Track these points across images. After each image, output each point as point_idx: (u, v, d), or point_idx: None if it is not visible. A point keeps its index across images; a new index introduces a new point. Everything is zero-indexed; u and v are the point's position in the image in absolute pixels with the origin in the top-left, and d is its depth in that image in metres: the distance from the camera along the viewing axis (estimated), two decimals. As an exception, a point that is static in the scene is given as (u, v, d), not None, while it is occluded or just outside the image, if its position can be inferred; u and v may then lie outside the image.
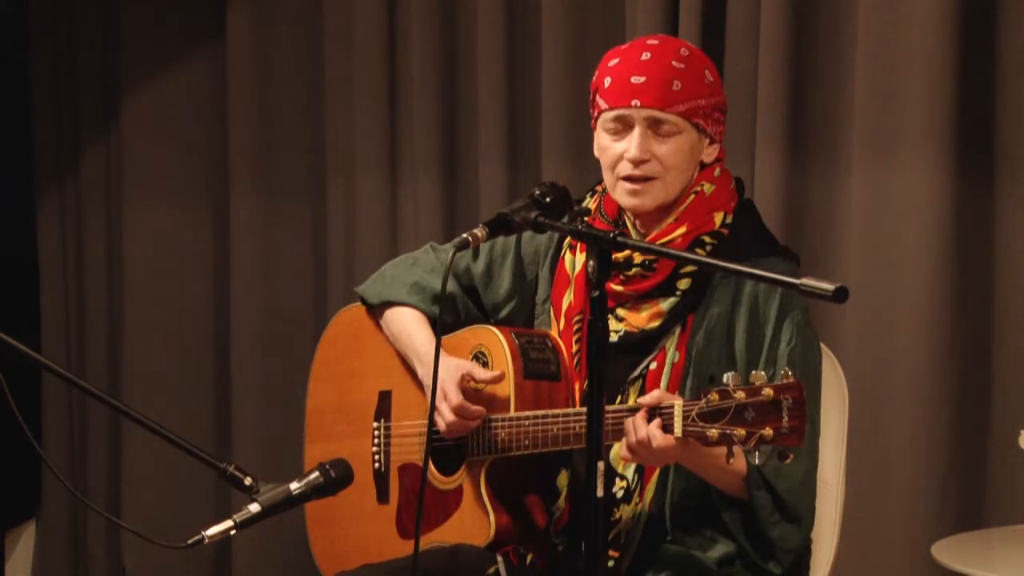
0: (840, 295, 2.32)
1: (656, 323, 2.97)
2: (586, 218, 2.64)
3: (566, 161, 4.22)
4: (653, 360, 2.96)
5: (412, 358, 3.19)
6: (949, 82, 3.67)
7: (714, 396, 2.61)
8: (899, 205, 3.74)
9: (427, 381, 3.11)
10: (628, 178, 2.94)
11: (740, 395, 2.58)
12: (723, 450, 2.65)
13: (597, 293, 2.51)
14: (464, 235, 2.71)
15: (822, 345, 3.14)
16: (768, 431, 2.56)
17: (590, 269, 2.59)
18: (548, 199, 2.74)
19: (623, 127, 2.94)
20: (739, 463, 2.81)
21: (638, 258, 2.94)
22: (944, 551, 3.16)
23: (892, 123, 3.75)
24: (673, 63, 2.93)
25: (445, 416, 3.02)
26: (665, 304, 2.97)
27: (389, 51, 4.58)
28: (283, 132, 4.86)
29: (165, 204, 5.02)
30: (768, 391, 2.56)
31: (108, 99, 5.07)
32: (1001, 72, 3.71)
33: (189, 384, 5.04)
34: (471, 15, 4.43)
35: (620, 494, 2.96)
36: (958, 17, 3.67)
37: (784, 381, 2.57)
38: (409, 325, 3.22)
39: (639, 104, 2.92)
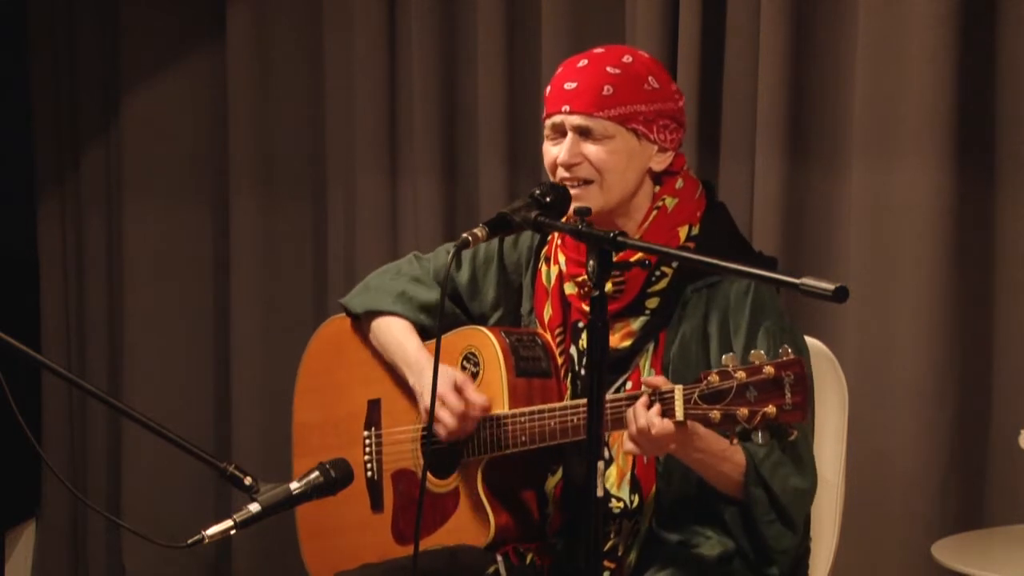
0: (840, 295, 2.32)
1: (628, 343, 2.97)
2: (587, 218, 2.63)
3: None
4: (628, 379, 2.96)
5: (402, 367, 3.17)
6: (949, 82, 3.67)
7: (714, 377, 2.61)
8: (899, 205, 3.74)
9: (419, 388, 3.10)
10: (563, 181, 2.94)
11: (741, 375, 2.58)
12: (721, 444, 2.64)
13: (597, 293, 2.51)
14: (464, 235, 2.71)
15: (823, 345, 3.14)
16: (771, 408, 2.56)
17: (590, 269, 2.58)
18: (548, 199, 2.74)
19: (558, 133, 2.97)
20: (738, 458, 2.81)
21: (607, 284, 2.95)
22: (944, 551, 3.17)
23: (892, 123, 3.75)
24: (608, 69, 2.94)
25: (447, 422, 3.02)
26: (636, 324, 2.96)
27: (389, 50, 4.58)
28: (283, 132, 4.86)
29: (165, 204, 5.02)
30: (769, 369, 2.56)
31: (108, 99, 5.07)
32: (1001, 72, 3.71)
33: (189, 384, 5.04)
34: (471, 14, 4.43)
35: (617, 511, 2.96)
36: (958, 17, 3.67)
37: (784, 358, 2.57)
38: (398, 334, 3.21)
39: (568, 110, 2.94)
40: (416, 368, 3.13)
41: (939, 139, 3.69)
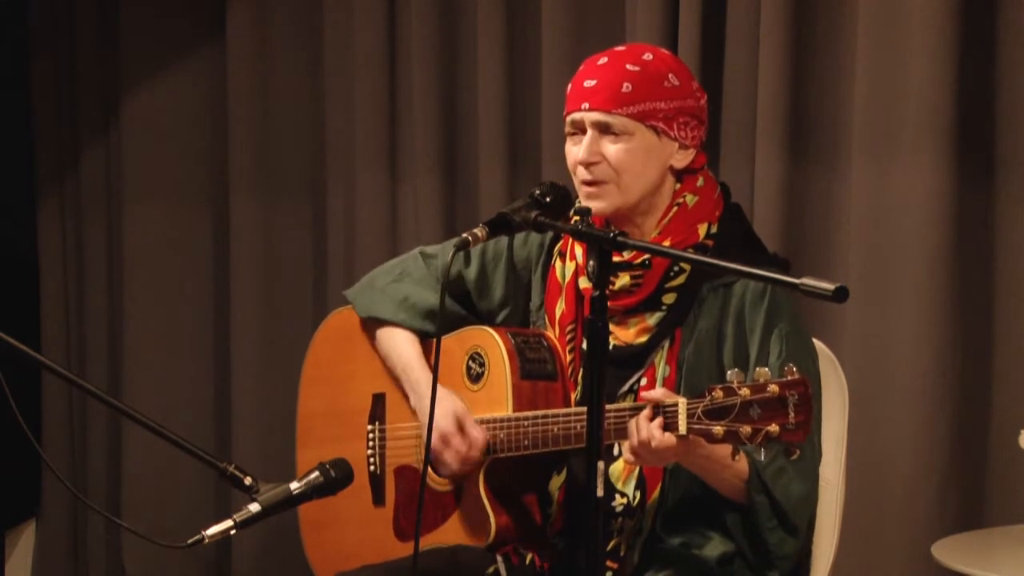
0: (840, 295, 2.32)
1: (644, 338, 2.97)
2: (588, 218, 2.63)
3: (566, 161, 4.21)
4: (643, 376, 2.96)
5: (404, 383, 3.18)
6: (949, 82, 3.67)
7: (719, 393, 2.61)
8: (899, 205, 3.74)
9: (420, 417, 3.12)
10: (584, 182, 2.95)
11: (745, 392, 2.58)
12: (725, 451, 2.65)
13: (598, 293, 2.51)
14: (464, 235, 2.70)
15: (823, 345, 3.14)
16: (774, 427, 2.56)
17: (590, 269, 2.58)
18: (548, 199, 2.73)
19: (579, 131, 2.97)
20: (741, 466, 2.81)
21: (624, 277, 2.95)
22: (944, 551, 3.16)
23: (892, 123, 3.75)
24: (628, 66, 2.94)
25: (451, 464, 3.03)
26: (652, 319, 2.96)
27: (389, 51, 4.58)
28: (283, 132, 4.86)
29: (165, 204, 5.02)
30: (773, 387, 2.56)
31: (108, 99, 5.07)
32: (1001, 72, 3.71)
33: (189, 384, 5.04)
34: (471, 15, 4.43)
35: (619, 508, 2.96)
36: (957, 17, 3.67)
37: (789, 377, 2.57)
38: (398, 348, 3.21)
39: (587, 107, 2.94)
40: (418, 389, 3.14)
41: (939, 139, 3.69)
